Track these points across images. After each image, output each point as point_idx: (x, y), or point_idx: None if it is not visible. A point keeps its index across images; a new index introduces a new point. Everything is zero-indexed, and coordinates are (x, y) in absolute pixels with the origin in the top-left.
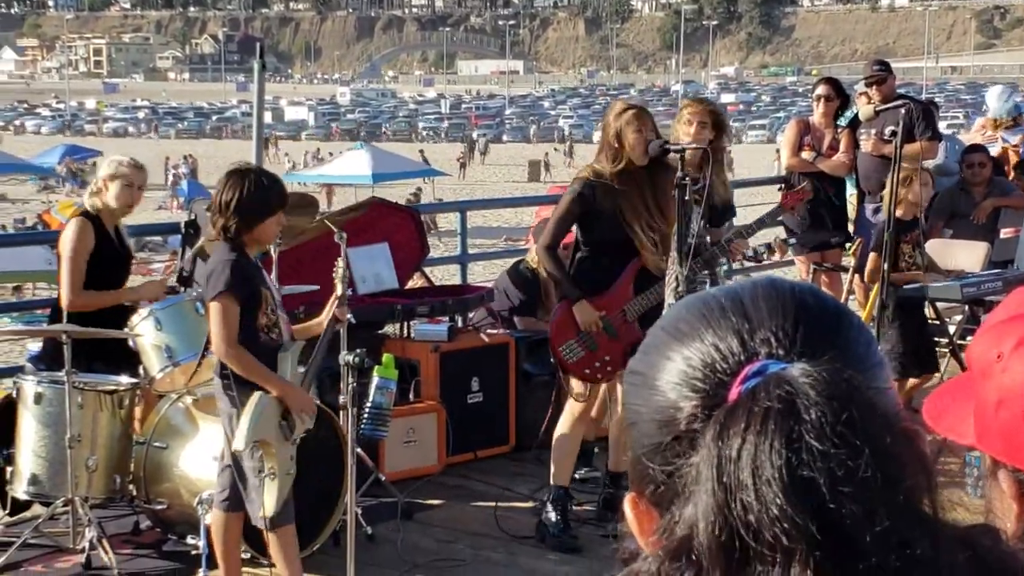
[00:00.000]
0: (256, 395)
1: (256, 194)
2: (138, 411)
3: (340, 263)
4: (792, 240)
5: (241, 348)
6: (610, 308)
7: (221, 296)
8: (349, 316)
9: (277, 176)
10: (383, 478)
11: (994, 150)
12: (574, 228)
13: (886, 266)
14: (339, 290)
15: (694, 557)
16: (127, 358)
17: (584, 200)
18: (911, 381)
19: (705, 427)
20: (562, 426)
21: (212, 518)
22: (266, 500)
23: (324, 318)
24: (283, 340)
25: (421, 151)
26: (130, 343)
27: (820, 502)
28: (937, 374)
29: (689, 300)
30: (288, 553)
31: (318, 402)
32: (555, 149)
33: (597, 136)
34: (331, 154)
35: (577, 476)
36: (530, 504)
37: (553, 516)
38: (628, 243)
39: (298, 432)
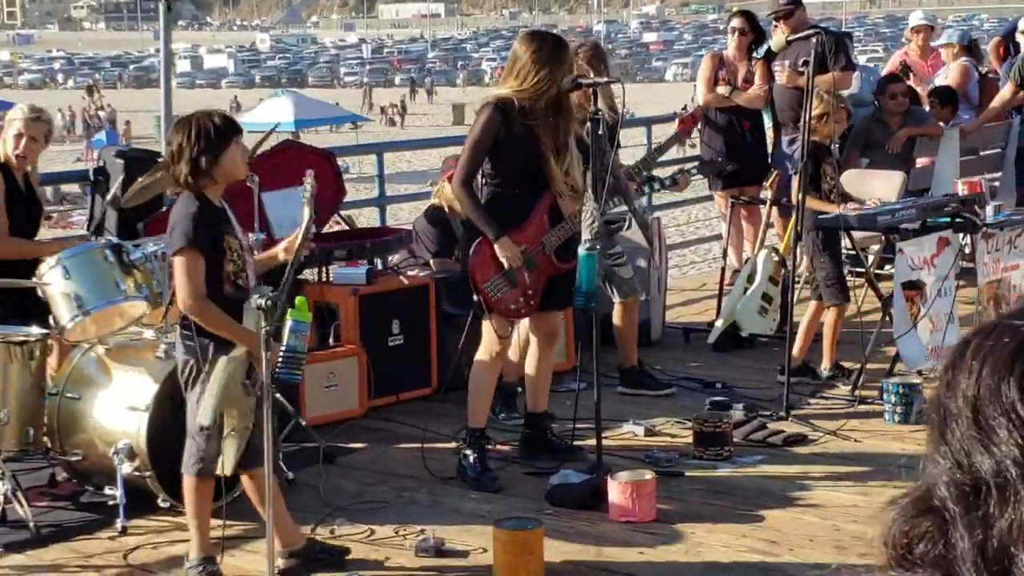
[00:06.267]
0: (220, 365)
1: (204, 131)
2: (53, 361)
3: (308, 181)
4: (694, 171)
5: (207, 302)
6: (529, 241)
7: (183, 251)
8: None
9: (221, 110)
10: (304, 423)
11: (949, 79)
12: None
13: (801, 196)
14: (307, 214)
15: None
16: (34, 308)
17: (498, 122)
18: (836, 310)
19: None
20: (477, 368)
21: (184, 482)
22: (226, 457)
23: (291, 242)
24: (250, 285)
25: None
26: (38, 292)
27: None
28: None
29: None
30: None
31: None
32: None
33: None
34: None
35: (500, 418)
36: (453, 445)
37: (471, 458)
38: (539, 173)
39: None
